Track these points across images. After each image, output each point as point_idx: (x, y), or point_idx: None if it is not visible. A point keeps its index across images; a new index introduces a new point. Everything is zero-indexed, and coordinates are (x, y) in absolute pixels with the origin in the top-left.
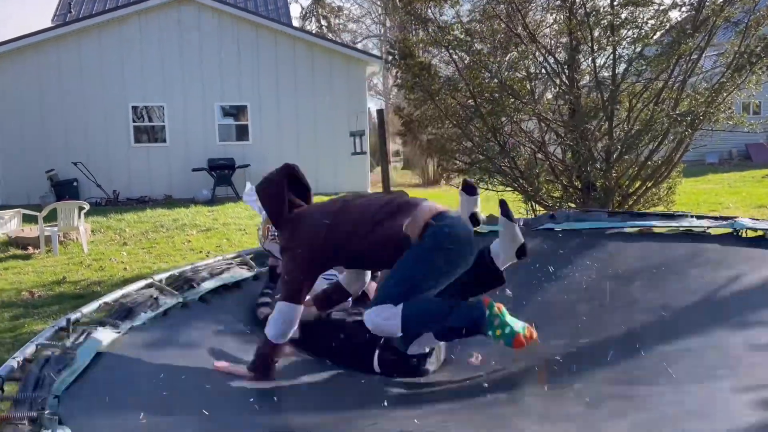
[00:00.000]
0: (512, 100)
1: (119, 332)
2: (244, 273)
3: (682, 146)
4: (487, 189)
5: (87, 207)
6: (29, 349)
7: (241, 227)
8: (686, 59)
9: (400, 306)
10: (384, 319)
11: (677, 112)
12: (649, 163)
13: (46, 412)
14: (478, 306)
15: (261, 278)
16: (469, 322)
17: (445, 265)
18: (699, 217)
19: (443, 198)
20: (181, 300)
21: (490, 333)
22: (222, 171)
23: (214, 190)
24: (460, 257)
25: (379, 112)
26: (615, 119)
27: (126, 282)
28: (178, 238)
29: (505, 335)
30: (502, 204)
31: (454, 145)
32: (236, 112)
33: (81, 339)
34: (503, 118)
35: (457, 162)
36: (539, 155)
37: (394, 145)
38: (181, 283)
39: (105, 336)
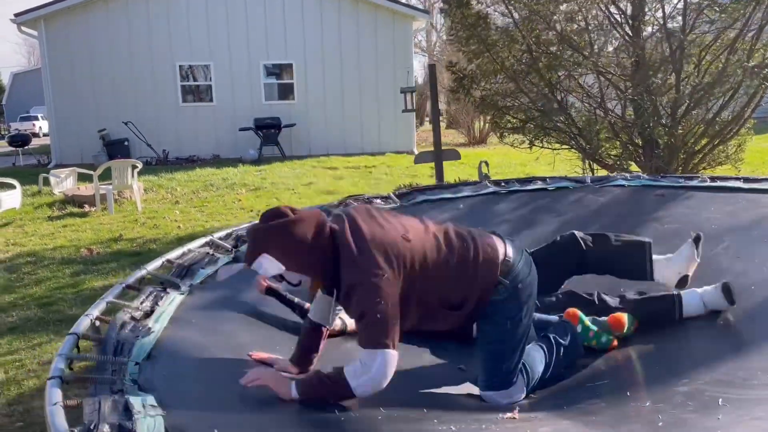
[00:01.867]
0: (570, 52)
1: (183, 293)
2: None
3: (755, 100)
4: (542, 147)
5: (140, 166)
6: (100, 306)
7: (290, 187)
8: (764, 6)
9: (520, 382)
10: (510, 399)
11: (752, 63)
12: (718, 119)
13: (127, 377)
14: (569, 329)
15: None
16: (575, 353)
17: (527, 314)
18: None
19: (491, 156)
20: (233, 256)
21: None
22: (268, 130)
23: (261, 150)
24: (533, 293)
25: (431, 67)
26: (683, 72)
27: (180, 240)
28: (228, 197)
29: (601, 344)
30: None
31: (508, 101)
32: (280, 71)
33: (151, 303)
34: (561, 73)
35: (512, 119)
36: (598, 112)
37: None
38: (235, 240)
39: (173, 299)
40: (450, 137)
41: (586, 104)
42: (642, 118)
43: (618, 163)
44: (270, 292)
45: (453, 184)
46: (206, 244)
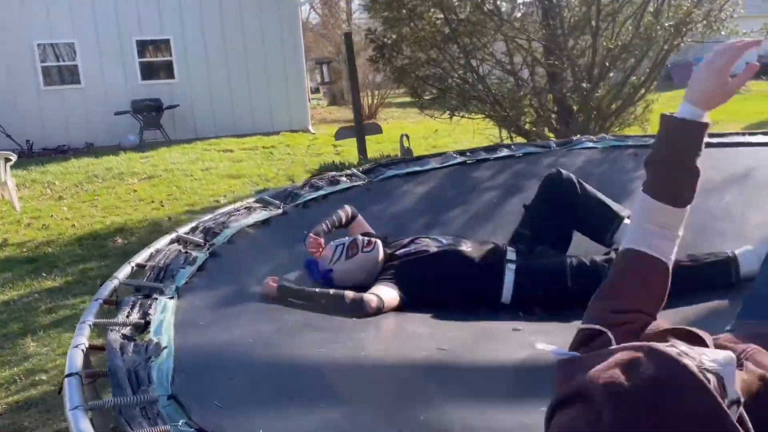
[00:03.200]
0: (486, 18)
1: (171, 296)
2: (269, 212)
3: (666, 60)
4: (462, 117)
5: (14, 158)
6: (85, 333)
7: (187, 173)
8: None
9: None
10: None
11: (669, 23)
12: (631, 80)
13: (162, 411)
14: None
15: (290, 213)
16: None
17: None
18: (752, 134)
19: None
20: (209, 250)
21: None
22: (148, 113)
23: (142, 135)
24: None
25: (347, 36)
26: (599, 36)
27: (81, 240)
28: (120, 189)
29: None
30: None
31: (428, 70)
32: (157, 47)
33: (139, 315)
34: (481, 40)
35: (431, 90)
36: (512, 79)
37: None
38: (204, 234)
39: (165, 305)
40: (338, 113)
41: (499, 70)
42: (560, 83)
43: (535, 129)
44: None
45: (418, 157)
46: (173, 241)
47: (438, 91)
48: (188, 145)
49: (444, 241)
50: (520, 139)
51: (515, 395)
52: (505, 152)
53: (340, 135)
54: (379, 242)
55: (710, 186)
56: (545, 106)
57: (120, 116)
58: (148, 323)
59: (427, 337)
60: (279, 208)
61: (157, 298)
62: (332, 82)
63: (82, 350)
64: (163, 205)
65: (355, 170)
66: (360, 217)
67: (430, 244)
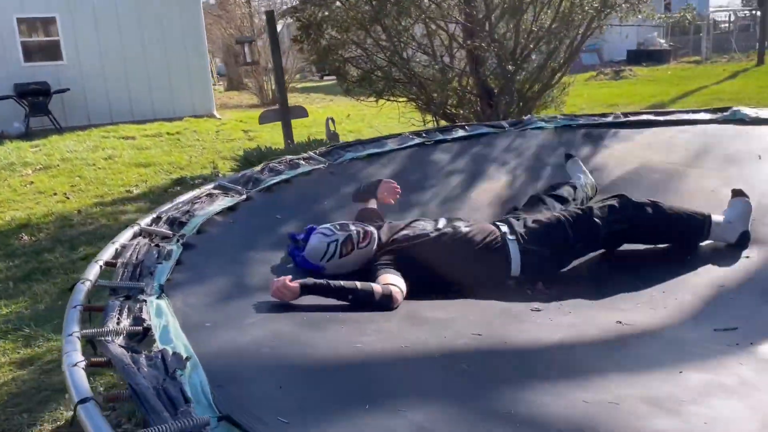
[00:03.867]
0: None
1: (157, 296)
2: (233, 199)
3: (584, 43)
4: (388, 100)
5: None
6: (77, 346)
7: (89, 162)
8: None
9: None
10: None
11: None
12: (550, 63)
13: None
14: None
15: (255, 198)
16: None
17: None
18: (695, 111)
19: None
20: (181, 242)
21: None
22: (35, 98)
23: (28, 121)
24: None
25: (269, 14)
26: (522, 19)
27: None
28: (13, 181)
29: None
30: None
31: (353, 50)
32: (42, 26)
33: (131, 321)
34: (399, 22)
35: (355, 72)
36: (434, 61)
37: (219, 63)
38: (170, 224)
39: (157, 308)
40: (240, 98)
41: (422, 53)
42: (482, 65)
43: (460, 113)
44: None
45: (374, 138)
46: (137, 234)
47: (363, 73)
48: (83, 133)
49: (440, 224)
50: (444, 124)
51: (570, 376)
52: (461, 133)
53: (264, 119)
54: (375, 232)
55: (672, 162)
56: (468, 89)
57: (1, 101)
58: (147, 329)
59: (455, 323)
60: (242, 193)
61: (144, 300)
62: (255, 62)
63: (83, 368)
64: (68, 198)
65: (312, 153)
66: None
67: (427, 227)
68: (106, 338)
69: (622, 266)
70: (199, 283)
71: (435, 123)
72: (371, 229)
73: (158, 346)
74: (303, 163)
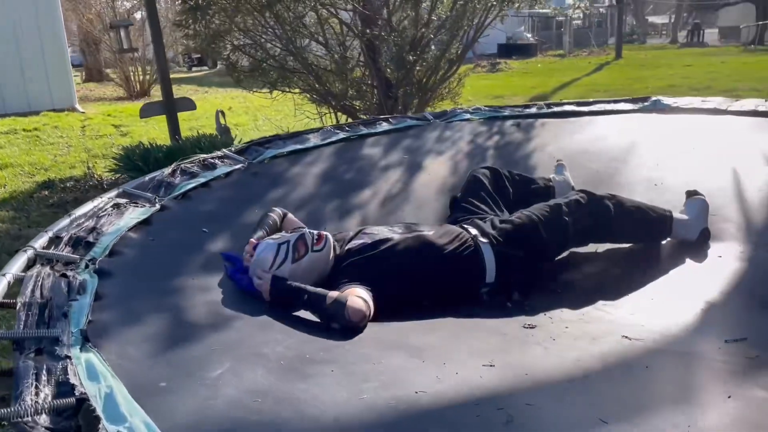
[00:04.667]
0: None
1: (76, 345)
2: (146, 209)
3: (480, 35)
4: (284, 92)
5: None
6: None
7: None
8: None
9: None
10: None
11: None
12: (448, 54)
13: None
14: None
15: (171, 208)
16: None
17: None
18: (615, 101)
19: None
20: (92, 267)
21: None
22: None
23: None
24: None
25: None
26: (420, 6)
27: None
28: None
29: None
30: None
31: (241, 39)
32: None
33: (60, 391)
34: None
35: (245, 63)
36: (327, 50)
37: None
38: (73, 246)
39: (87, 364)
40: (101, 91)
41: (317, 43)
42: (380, 56)
43: (359, 106)
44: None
45: (294, 133)
46: (33, 262)
47: (255, 62)
48: None
49: (398, 229)
50: (344, 117)
51: (623, 412)
52: (386, 126)
53: (146, 112)
54: (330, 236)
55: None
56: (365, 80)
57: None
58: (82, 400)
59: (454, 352)
60: (153, 202)
61: (66, 356)
62: (134, 49)
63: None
64: None
65: (227, 152)
66: (290, 215)
67: (386, 234)
68: (25, 421)
69: (592, 270)
70: (130, 324)
71: (334, 116)
72: (325, 232)
73: (105, 426)
74: (219, 162)
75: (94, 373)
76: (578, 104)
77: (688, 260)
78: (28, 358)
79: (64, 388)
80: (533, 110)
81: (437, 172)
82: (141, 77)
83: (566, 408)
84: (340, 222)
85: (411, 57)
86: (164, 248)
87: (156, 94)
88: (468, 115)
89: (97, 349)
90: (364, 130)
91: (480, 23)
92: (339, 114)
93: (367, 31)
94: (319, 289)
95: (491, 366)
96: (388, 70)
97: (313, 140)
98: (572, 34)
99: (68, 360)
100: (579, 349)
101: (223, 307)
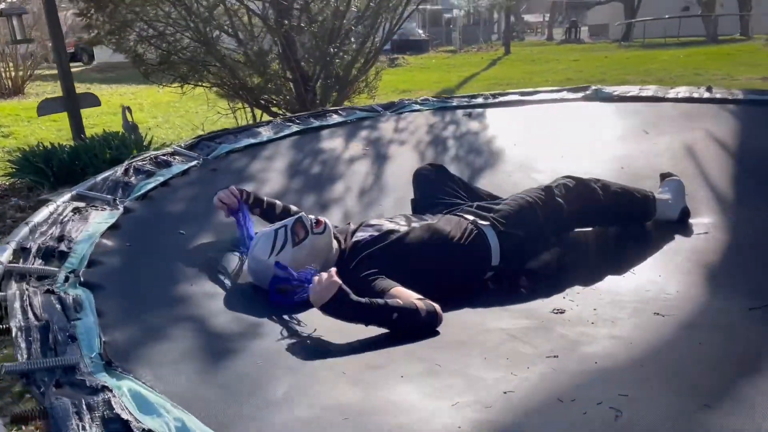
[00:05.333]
0: None
1: (110, 374)
2: (110, 213)
3: (399, 26)
4: (196, 86)
5: None
6: None
7: None
8: None
9: None
10: None
11: None
12: (365, 47)
13: None
14: None
15: (135, 209)
16: None
17: None
18: (557, 91)
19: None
20: (77, 281)
21: None
22: None
23: None
24: None
25: None
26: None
27: None
28: None
29: None
30: None
31: (147, 30)
32: None
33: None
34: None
35: (151, 55)
36: (239, 43)
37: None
38: (44, 257)
39: (132, 393)
40: None
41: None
42: (298, 48)
43: (273, 99)
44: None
45: (245, 127)
46: (5, 276)
47: (163, 55)
48: None
49: (401, 221)
50: (258, 113)
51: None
52: (336, 118)
53: (45, 110)
54: (328, 221)
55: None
56: (281, 74)
57: None
58: None
59: (508, 345)
60: (114, 204)
61: (105, 387)
62: (29, 40)
63: None
64: None
65: (177, 147)
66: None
67: (392, 226)
68: None
69: (588, 251)
70: (152, 342)
71: (249, 112)
72: (322, 217)
73: None
74: (171, 159)
75: (147, 405)
76: (522, 94)
77: (678, 237)
78: (56, 396)
79: (114, 426)
80: (480, 100)
81: (405, 162)
82: (13, 73)
83: (663, 395)
84: (322, 216)
85: (332, 49)
86: (145, 254)
87: (31, 91)
88: (417, 106)
89: (132, 374)
90: (316, 123)
91: (399, 15)
92: (259, 111)
93: (285, 22)
94: (375, 300)
95: (555, 357)
96: (307, 63)
97: (266, 134)
98: (461, 30)
99: (108, 391)
100: (624, 330)
101: (241, 314)
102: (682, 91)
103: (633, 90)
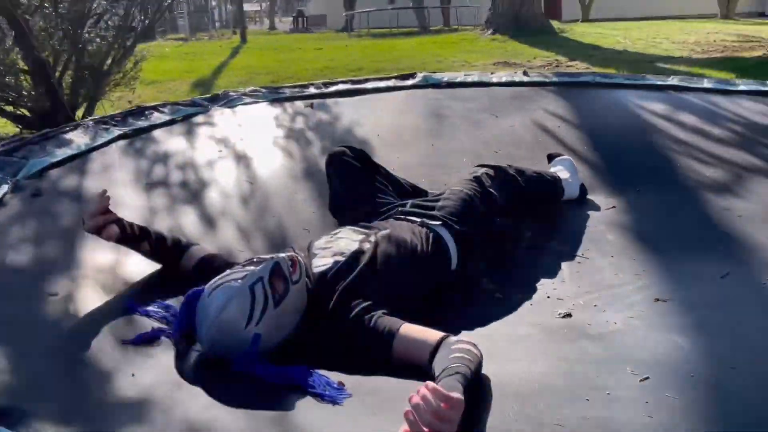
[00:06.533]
0: None
1: None
2: None
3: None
4: None
5: None
6: None
7: None
8: None
9: None
10: None
11: None
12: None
13: None
14: None
15: None
16: None
17: None
18: (386, 78)
19: None
20: None
21: None
22: None
23: None
24: None
25: None
26: None
27: None
28: None
29: None
30: None
31: None
32: None
33: None
34: None
35: None
36: None
37: None
38: None
39: None
40: None
41: None
42: (32, 32)
43: (10, 98)
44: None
45: (44, 134)
46: None
47: None
48: None
49: (356, 236)
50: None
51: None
52: (161, 117)
53: None
54: (300, 258)
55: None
56: (14, 66)
57: None
58: None
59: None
60: None
61: None
62: None
63: None
64: None
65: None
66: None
67: (351, 246)
68: None
69: (524, 240)
70: None
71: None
72: (293, 254)
73: None
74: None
75: None
76: (353, 82)
77: (594, 213)
78: None
79: None
80: (312, 90)
81: (274, 162)
82: None
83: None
84: (213, 241)
85: (87, 34)
86: None
87: None
88: (247, 98)
89: None
90: (141, 123)
91: None
92: None
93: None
94: (460, 373)
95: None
96: (52, 50)
97: (81, 141)
98: (189, 18)
99: None
100: (644, 322)
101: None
102: (504, 76)
103: (459, 76)
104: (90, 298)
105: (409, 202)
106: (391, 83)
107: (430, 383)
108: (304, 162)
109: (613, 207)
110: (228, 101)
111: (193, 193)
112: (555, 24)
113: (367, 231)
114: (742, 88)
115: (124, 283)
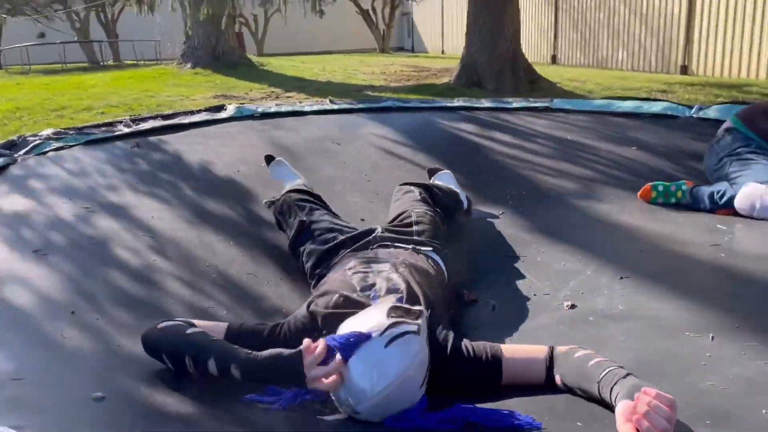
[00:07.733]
0: None
1: None
2: None
3: None
4: None
5: None
6: None
7: None
8: None
9: None
10: None
11: None
12: None
13: None
14: None
15: None
16: None
17: None
18: (195, 112)
19: None
20: None
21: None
22: None
23: None
24: None
25: None
26: None
27: None
28: None
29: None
30: None
31: None
32: None
33: None
34: None
35: None
36: None
37: None
38: None
39: None
40: None
41: None
42: None
43: None
44: None
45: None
46: None
47: None
48: None
49: (390, 273)
50: None
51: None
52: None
53: None
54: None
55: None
56: None
57: None
58: None
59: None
60: None
61: None
62: None
63: None
64: None
65: None
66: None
67: (400, 285)
68: None
69: (464, 247)
70: None
71: None
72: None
73: None
74: None
75: None
76: (163, 118)
77: (494, 222)
78: None
79: None
80: (123, 128)
81: (137, 215)
82: None
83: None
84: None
85: None
86: None
87: None
88: (54, 143)
89: None
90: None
91: None
92: None
93: None
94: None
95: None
96: None
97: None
98: None
99: None
100: (652, 300)
101: None
102: (314, 105)
103: (271, 106)
104: None
105: (378, 227)
106: (203, 117)
107: (649, 390)
108: (188, 206)
109: (502, 213)
110: (30, 147)
111: (91, 253)
112: (252, 57)
113: (381, 263)
114: (515, 105)
115: None
